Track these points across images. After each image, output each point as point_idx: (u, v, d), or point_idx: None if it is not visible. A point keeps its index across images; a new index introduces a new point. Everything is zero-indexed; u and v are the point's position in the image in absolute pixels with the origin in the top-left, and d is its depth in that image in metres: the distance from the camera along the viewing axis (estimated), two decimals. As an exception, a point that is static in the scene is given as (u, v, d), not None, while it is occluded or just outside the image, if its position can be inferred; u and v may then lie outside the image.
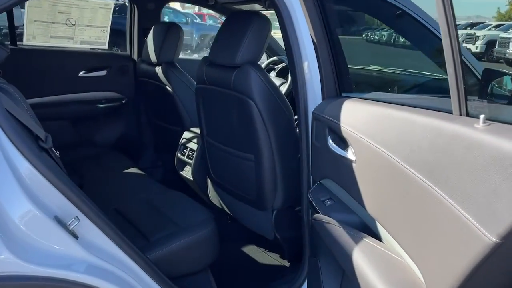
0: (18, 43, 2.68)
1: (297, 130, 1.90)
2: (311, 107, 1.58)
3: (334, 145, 1.43)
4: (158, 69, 2.61)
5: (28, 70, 2.64)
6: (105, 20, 2.90)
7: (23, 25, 2.62)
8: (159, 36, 2.60)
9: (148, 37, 2.70)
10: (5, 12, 2.53)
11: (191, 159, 2.46)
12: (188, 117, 2.58)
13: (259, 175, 1.91)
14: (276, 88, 1.85)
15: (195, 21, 12.27)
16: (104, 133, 3.05)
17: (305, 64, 1.61)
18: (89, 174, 2.39)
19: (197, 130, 2.39)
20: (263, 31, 1.83)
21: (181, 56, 2.98)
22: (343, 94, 1.60)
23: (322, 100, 1.57)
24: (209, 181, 2.37)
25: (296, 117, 1.99)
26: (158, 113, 2.91)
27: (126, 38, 3.10)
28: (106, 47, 2.97)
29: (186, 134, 2.55)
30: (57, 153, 1.39)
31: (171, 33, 2.57)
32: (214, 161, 2.22)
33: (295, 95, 1.69)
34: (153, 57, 2.62)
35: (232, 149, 2.02)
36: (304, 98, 1.63)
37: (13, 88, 1.36)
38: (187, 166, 2.53)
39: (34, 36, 2.67)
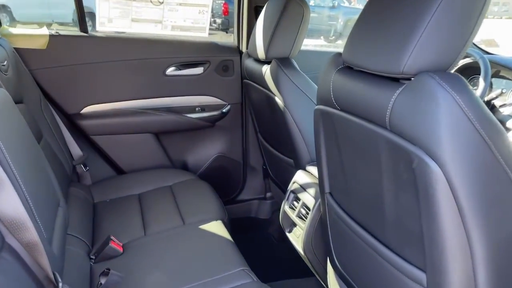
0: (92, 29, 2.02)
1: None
2: None
3: None
4: (266, 69, 1.68)
5: (102, 66, 1.96)
6: (206, -4, 2.07)
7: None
8: (271, 18, 1.66)
9: (257, 21, 1.78)
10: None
11: (304, 220, 1.49)
12: (306, 149, 1.60)
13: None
14: (498, 133, 0.75)
15: (342, 4, 11.04)
16: (197, 152, 2.26)
17: None
18: (154, 227, 1.60)
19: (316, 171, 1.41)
20: (471, 5, 0.75)
21: (322, 42, 1.96)
22: None
23: None
24: (329, 266, 1.37)
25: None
26: (267, 133, 2.00)
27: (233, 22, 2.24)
28: (206, 34, 2.15)
29: (300, 177, 1.58)
30: None
31: (289, 13, 1.60)
32: (341, 245, 1.22)
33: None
34: (260, 50, 1.70)
35: (380, 245, 0.99)
36: None
37: None
38: (297, 227, 1.56)
39: (110, 19, 1.97)
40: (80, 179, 1.97)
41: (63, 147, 1.82)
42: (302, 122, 1.58)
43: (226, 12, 8.86)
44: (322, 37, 9.38)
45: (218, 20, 10.62)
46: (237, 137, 2.30)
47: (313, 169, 1.54)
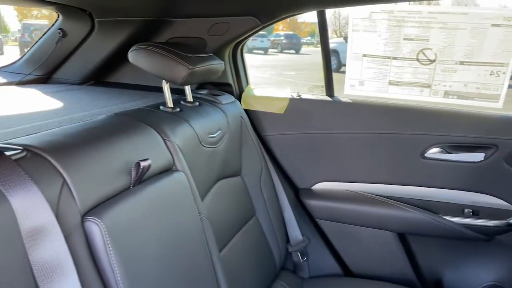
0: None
1: None
2: None
3: None
4: None
5: (344, 136, 1.59)
6: (506, 52, 1.38)
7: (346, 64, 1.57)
8: None
9: None
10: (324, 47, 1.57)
11: None
12: None
13: None
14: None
15: None
16: (459, 273, 1.55)
17: None
18: None
19: None
20: None
21: None
22: None
23: None
24: None
25: None
26: None
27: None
28: (499, 105, 1.45)
29: None
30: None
31: None
32: None
33: None
34: None
35: None
36: None
37: None
38: None
39: (361, 81, 1.57)
40: (297, 269, 1.64)
41: (278, 229, 1.53)
42: None
43: None
44: None
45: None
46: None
47: None
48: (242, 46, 1.66)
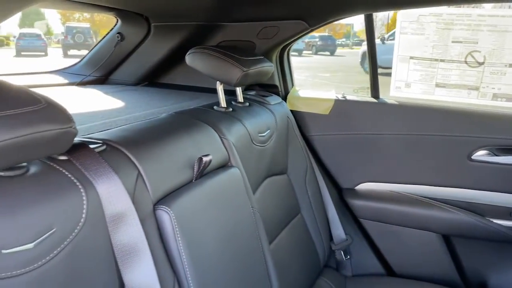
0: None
1: None
2: None
3: None
4: None
5: (389, 138, 1.61)
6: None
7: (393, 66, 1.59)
8: None
9: None
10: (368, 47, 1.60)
11: None
12: None
13: None
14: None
15: None
16: (505, 275, 1.54)
17: None
18: None
19: None
20: None
21: None
22: None
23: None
24: None
25: None
26: None
27: None
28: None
29: None
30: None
31: None
32: None
33: None
34: None
35: None
36: None
37: None
38: None
39: (408, 83, 1.59)
40: (339, 267, 1.68)
41: (322, 227, 1.57)
42: None
43: None
44: None
45: None
46: None
47: None
48: (289, 49, 1.71)
